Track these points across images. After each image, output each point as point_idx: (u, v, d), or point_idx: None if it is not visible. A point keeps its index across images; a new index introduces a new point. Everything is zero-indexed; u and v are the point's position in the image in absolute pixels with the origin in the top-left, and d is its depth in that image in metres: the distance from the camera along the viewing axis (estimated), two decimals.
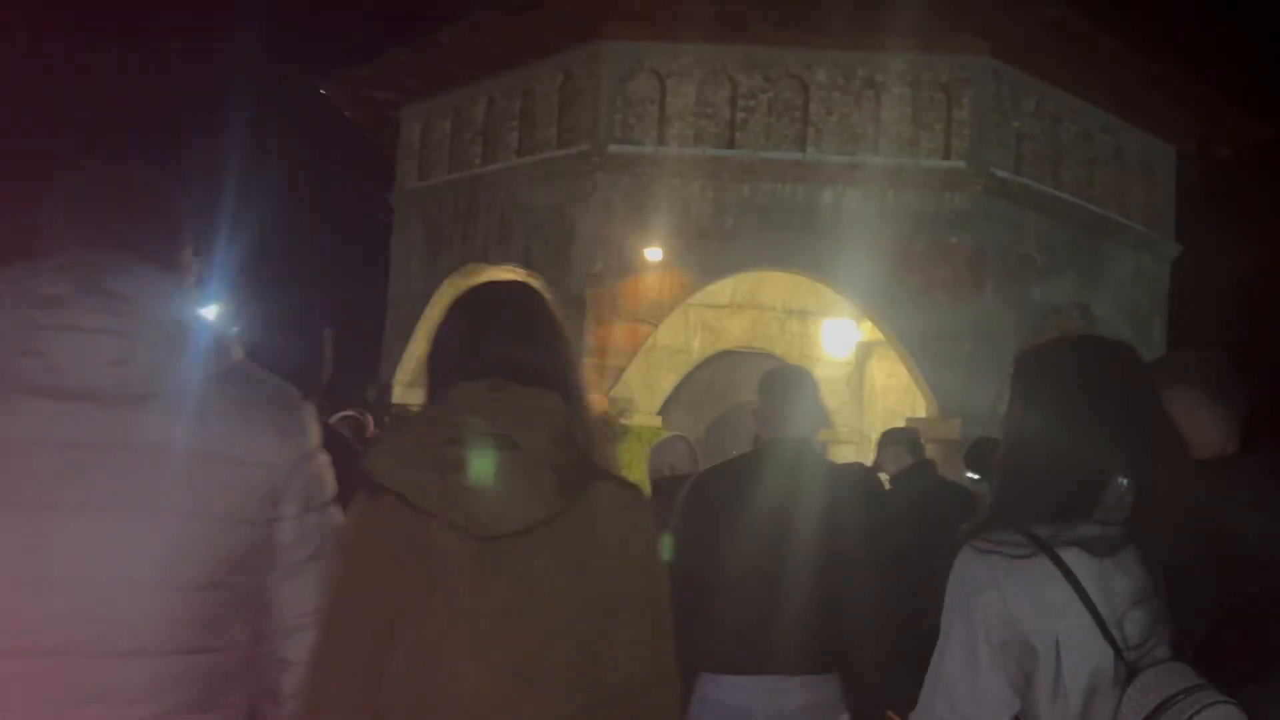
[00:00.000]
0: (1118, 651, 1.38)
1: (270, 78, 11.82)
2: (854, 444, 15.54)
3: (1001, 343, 9.40)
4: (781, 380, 2.85)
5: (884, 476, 4.62)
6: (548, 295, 1.61)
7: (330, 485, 1.57)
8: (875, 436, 14.51)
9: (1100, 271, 10.37)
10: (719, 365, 14.04)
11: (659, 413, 11.22)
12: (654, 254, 9.18)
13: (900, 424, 15.54)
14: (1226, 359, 2.04)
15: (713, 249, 9.29)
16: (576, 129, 9.63)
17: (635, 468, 6.79)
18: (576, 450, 1.45)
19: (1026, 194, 9.57)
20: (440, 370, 1.51)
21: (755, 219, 9.27)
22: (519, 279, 1.66)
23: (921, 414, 9.80)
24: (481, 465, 1.38)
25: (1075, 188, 10.14)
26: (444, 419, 1.43)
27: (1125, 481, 1.44)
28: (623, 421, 9.26)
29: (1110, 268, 10.47)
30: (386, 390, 11.23)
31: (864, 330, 15.65)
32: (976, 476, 4.97)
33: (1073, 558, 1.40)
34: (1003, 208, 9.39)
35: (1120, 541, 1.44)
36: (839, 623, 2.54)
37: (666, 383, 12.36)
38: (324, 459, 1.56)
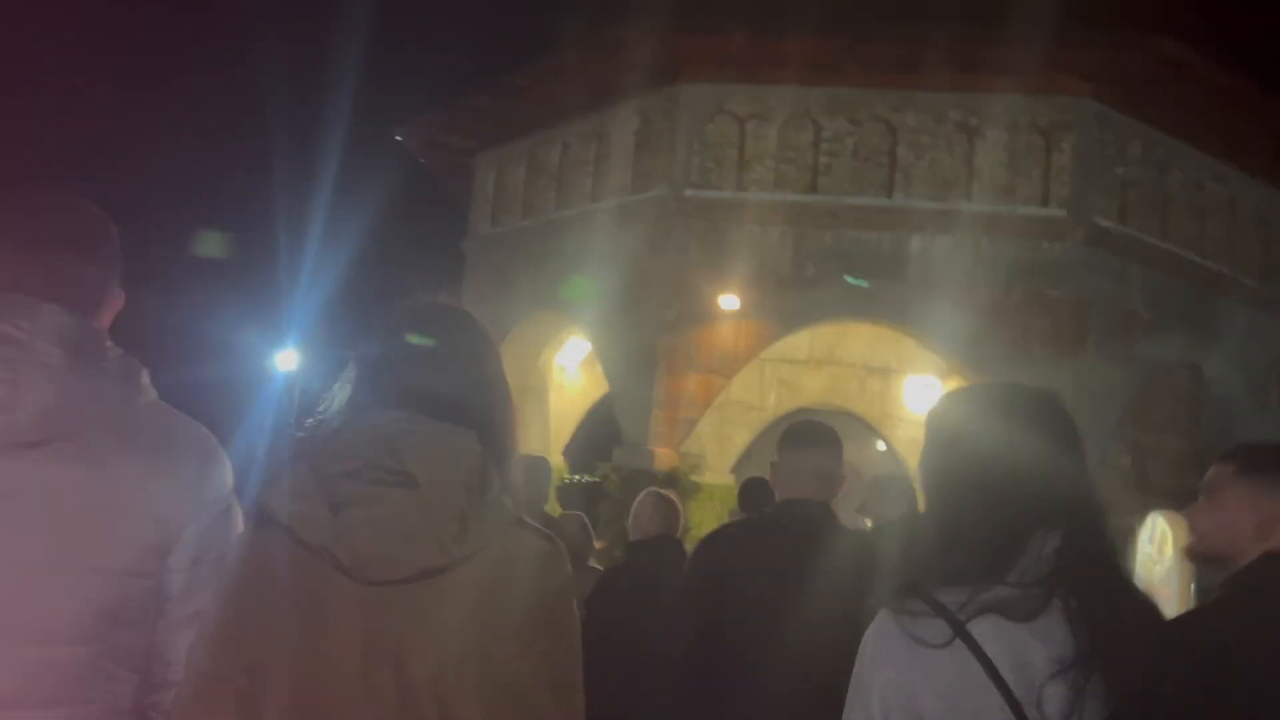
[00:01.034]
0: None
1: (346, 123, 11.80)
2: None
3: (1106, 402, 8.73)
4: (797, 436, 2.67)
5: (868, 522, 4.34)
6: (484, 326, 1.49)
7: (234, 535, 1.47)
8: None
9: (1212, 329, 9.62)
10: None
11: (732, 470, 10.72)
12: (730, 302, 8.76)
13: None
14: None
15: (792, 298, 8.83)
16: (652, 173, 9.32)
17: (705, 527, 6.31)
18: (490, 496, 1.33)
19: (1132, 245, 8.94)
20: (355, 397, 1.39)
21: (838, 267, 8.80)
22: (454, 305, 1.55)
23: None
24: (375, 503, 1.27)
25: (1184, 240, 9.47)
26: (344, 450, 1.31)
27: (1050, 536, 1.33)
28: (694, 478, 8.78)
29: (1223, 325, 9.72)
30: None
31: (948, 388, 14.98)
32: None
33: (986, 628, 1.28)
34: (1105, 259, 8.77)
35: (1041, 603, 1.31)
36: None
37: (740, 439, 11.87)
38: (229, 507, 1.48)
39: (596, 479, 9.34)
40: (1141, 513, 9.14)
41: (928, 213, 8.70)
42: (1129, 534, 9.00)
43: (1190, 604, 9.38)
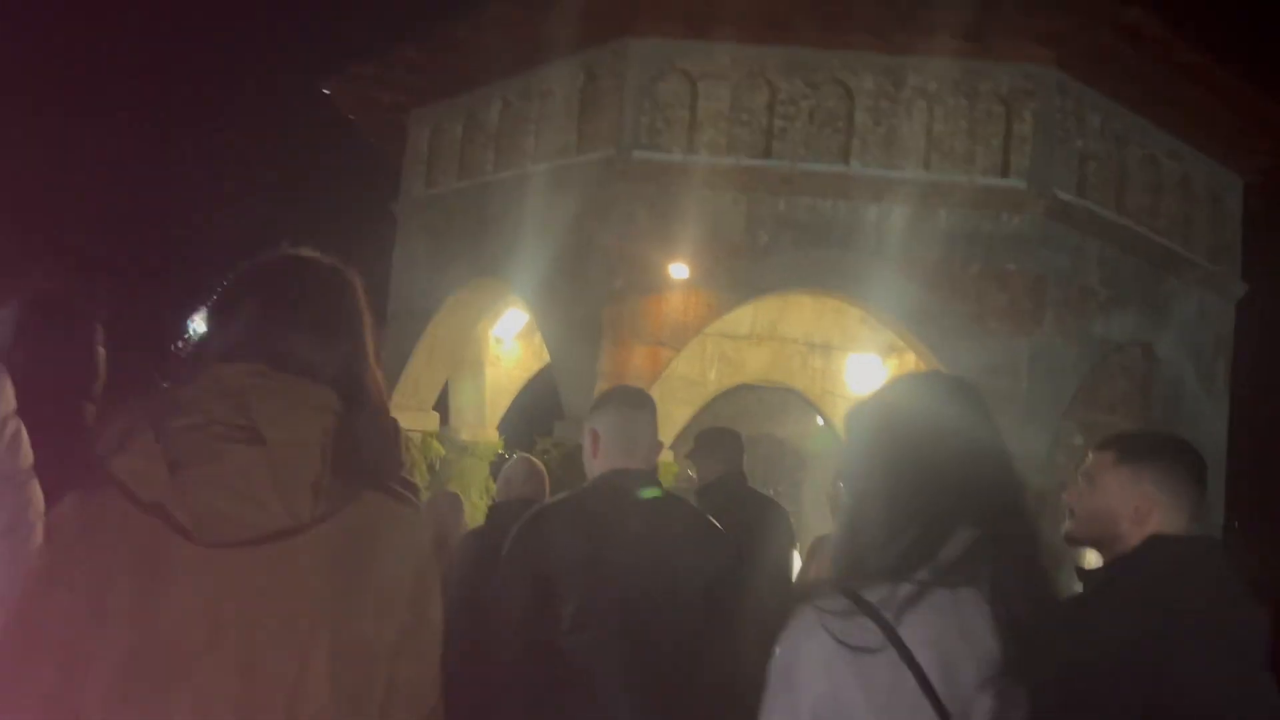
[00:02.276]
0: None
1: (269, 75, 11.07)
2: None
3: (1060, 381, 8.52)
4: (620, 402, 2.54)
5: (692, 472, 4.43)
6: (358, 281, 1.41)
7: (27, 455, 1.45)
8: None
9: (1164, 308, 9.49)
10: (736, 400, 13.24)
11: (671, 446, 10.37)
12: (679, 271, 8.33)
13: None
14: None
15: (743, 267, 8.43)
16: (598, 134, 8.82)
17: None
18: (349, 456, 1.27)
19: (1090, 220, 8.72)
20: (205, 347, 1.32)
21: (791, 236, 8.42)
22: (324, 258, 1.41)
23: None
24: (217, 461, 1.21)
25: (1139, 216, 9.29)
26: (188, 404, 1.24)
27: (974, 534, 1.29)
28: None
29: (1174, 305, 9.60)
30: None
31: (890, 367, 14.84)
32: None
33: (916, 634, 1.22)
34: (1064, 233, 8.53)
35: (968, 604, 1.26)
36: (702, 678, 2.26)
37: (680, 416, 11.54)
38: (16, 427, 1.45)
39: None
40: None
41: (885, 181, 8.36)
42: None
43: None
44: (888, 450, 1.38)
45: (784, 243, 8.41)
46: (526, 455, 4.36)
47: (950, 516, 1.31)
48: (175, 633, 1.19)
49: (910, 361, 14.74)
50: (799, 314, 14.16)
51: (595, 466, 2.48)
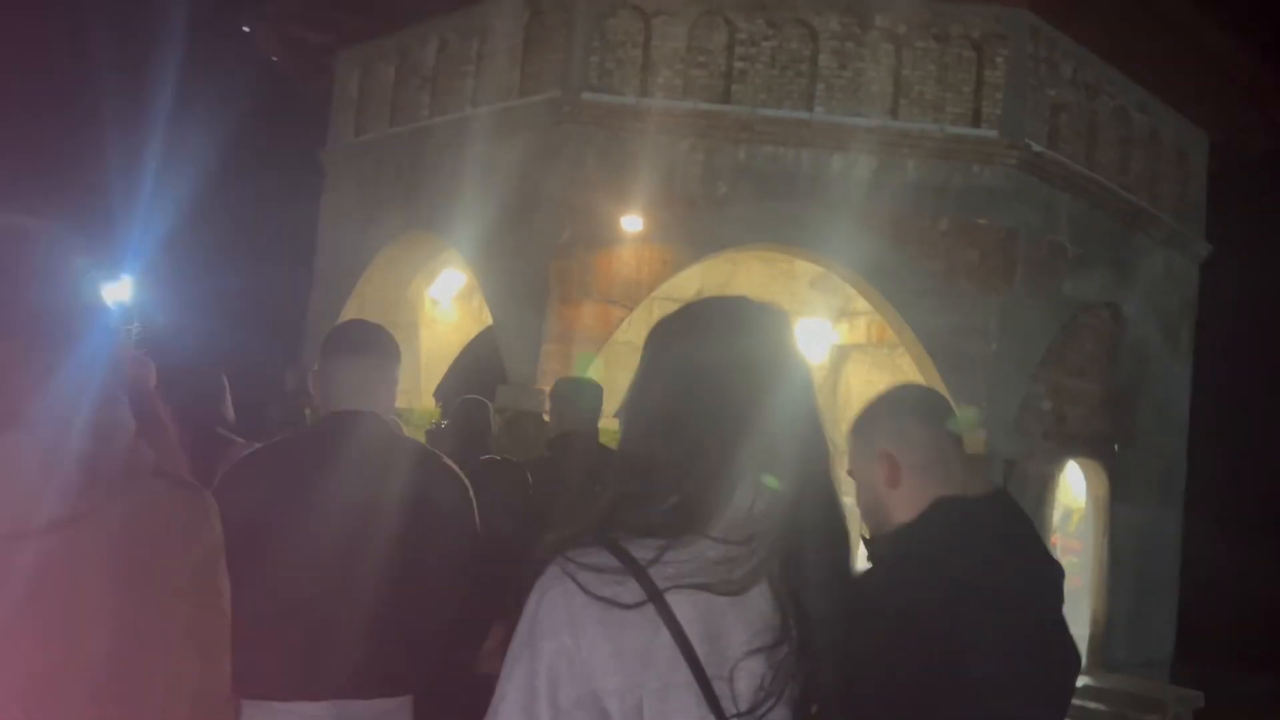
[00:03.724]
0: (721, 715, 1.07)
1: (185, 13, 10.18)
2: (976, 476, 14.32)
3: (1029, 342, 8.14)
4: (344, 339, 2.36)
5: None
6: (63, 238, 1.27)
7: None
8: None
9: (1131, 268, 9.16)
10: None
11: (616, 415, 9.83)
12: (632, 224, 7.74)
13: None
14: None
15: (701, 220, 7.87)
16: (544, 74, 8.16)
17: None
18: (117, 441, 1.20)
19: (1061, 173, 8.31)
20: None
21: (751, 187, 7.87)
22: (44, 224, 1.28)
23: None
24: None
25: (1108, 171, 8.92)
26: None
27: (766, 481, 1.12)
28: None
29: (1141, 265, 9.28)
30: (308, 378, 9.64)
31: (840, 332, 14.47)
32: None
33: (684, 595, 1.08)
34: (1036, 187, 8.11)
35: (752, 570, 1.10)
36: (418, 631, 2.18)
37: (623, 382, 10.96)
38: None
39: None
40: (1060, 460, 8.64)
41: (850, 129, 7.84)
42: (1047, 482, 8.49)
43: (1104, 557, 9.00)
44: (679, 373, 1.19)
45: (743, 194, 7.86)
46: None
47: (739, 464, 1.14)
48: None
49: (861, 326, 14.42)
50: (749, 276, 13.69)
51: (320, 409, 2.38)
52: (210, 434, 3.25)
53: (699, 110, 7.85)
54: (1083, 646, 8.83)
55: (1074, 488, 9.25)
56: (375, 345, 2.34)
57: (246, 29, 10.12)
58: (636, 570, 1.09)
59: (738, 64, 7.91)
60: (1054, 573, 1.71)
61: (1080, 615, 8.96)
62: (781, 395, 1.18)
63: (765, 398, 1.16)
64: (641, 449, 1.18)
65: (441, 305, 11.15)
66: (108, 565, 1.16)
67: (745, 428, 1.15)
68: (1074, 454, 8.74)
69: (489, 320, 10.62)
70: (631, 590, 1.08)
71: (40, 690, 1.12)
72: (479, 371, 10.79)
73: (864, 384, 14.71)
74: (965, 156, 7.87)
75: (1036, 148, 8.05)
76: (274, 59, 10.64)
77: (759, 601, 1.12)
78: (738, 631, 1.11)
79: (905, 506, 1.69)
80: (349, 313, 9.71)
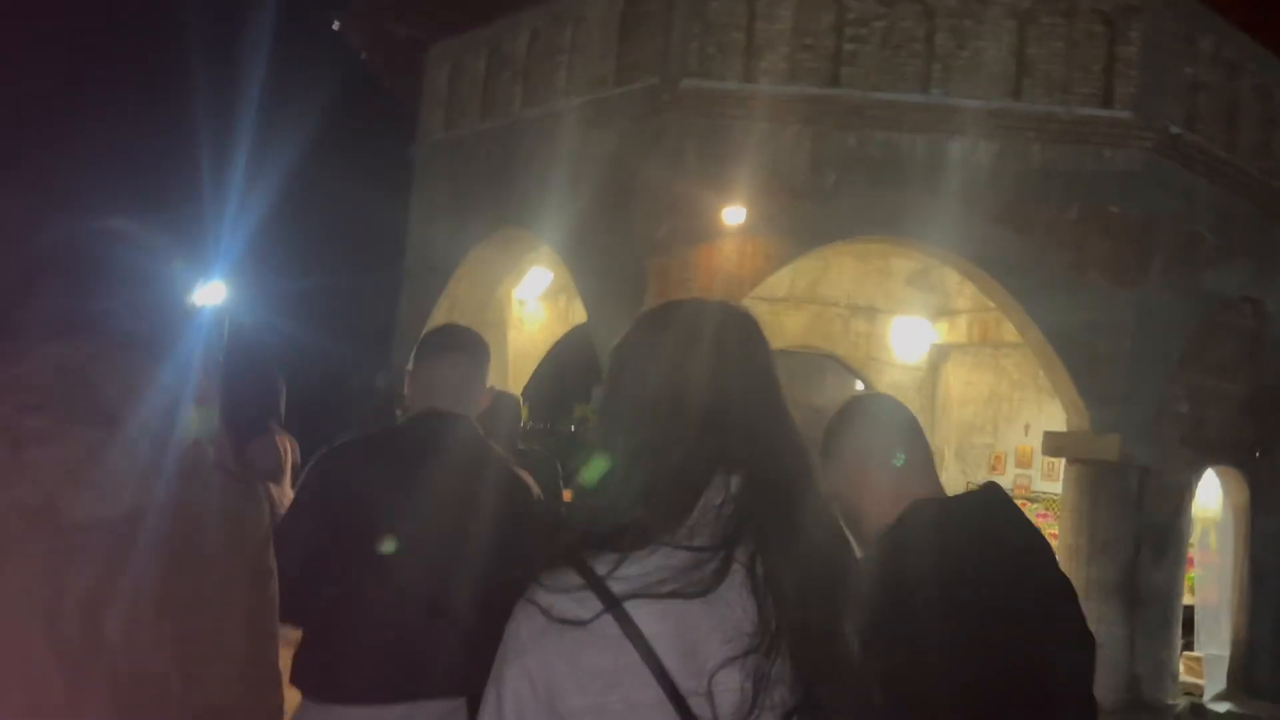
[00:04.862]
0: None
1: (272, 9, 10.09)
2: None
3: (1167, 340, 7.52)
4: (435, 342, 2.44)
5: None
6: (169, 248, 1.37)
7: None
8: (949, 451, 12.63)
9: (1273, 260, 8.45)
10: None
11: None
12: (734, 216, 7.32)
13: (980, 439, 13.72)
14: None
15: (808, 211, 7.42)
16: (641, 61, 7.79)
17: None
18: (184, 437, 1.28)
19: (1200, 157, 7.67)
20: (27, 328, 1.27)
21: (862, 175, 7.40)
22: (135, 225, 1.37)
23: (1057, 427, 7.88)
24: (64, 441, 1.21)
25: (1249, 156, 8.23)
26: (24, 383, 1.23)
27: (733, 481, 1.09)
28: None
29: None
30: (399, 377, 9.44)
31: (940, 331, 13.87)
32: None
33: (651, 607, 1.02)
34: (1173, 172, 7.49)
35: (718, 571, 1.06)
36: (480, 634, 1.95)
37: None
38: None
39: (569, 425, 7.99)
40: (1199, 468, 7.98)
41: (970, 112, 7.31)
42: (1185, 492, 7.84)
43: (1245, 572, 8.30)
44: (628, 385, 1.18)
45: (853, 183, 7.40)
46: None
47: (702, 468, 1.09)
48: (16, 614, 1.17)
49: (961, 325, 13.80)
50: (840, 275, 13.20)
51: (411, 407, 2.43)
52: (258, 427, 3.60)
53: (806, 95, 7.41)
54: (1222, 669, 8.16)
55: (1200, 495, 8.59)
56: (467, 347, 2.40)
57: (335, 26, 9.97)
58: (594, 583, 1.05)
59: (847, 45, 7.45)
60: (1037, 575, 1.64)
61: (1220, 635, 8.29)
62: (746, 395, 1.15)
63: (727, 399, 1.13)
64: (609, 457, 1.15)
65: (529, 305, 10.91)
66: (171, 554, 1.24)
67: (707, 431, 1.11)
68: (1213, 461, 8.07)
69: (576, 320, 10.33)
70: (589, 606, 1.04)
71: (93, 677, 1.18)
72: (567, 371, 10.51)
73: (964, 385, 14.11)
74: (1096, 140, 7.29)
75: (1174, 129, 7.42)
76: (363, 55, 10.49)
77: (735, 602, 1.06)
78: (713, 640, 1.05)
79: (883, 512, 1.67)
80: (440, 313, 9.49)
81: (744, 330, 1.23)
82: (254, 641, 1.34)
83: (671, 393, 1.14)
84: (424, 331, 2.40)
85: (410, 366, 2.39)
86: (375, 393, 9.41)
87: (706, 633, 1.04)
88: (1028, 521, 1.71)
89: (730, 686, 1.03)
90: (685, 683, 1.02)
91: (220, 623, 1.29)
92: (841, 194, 7.38)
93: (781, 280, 10.54)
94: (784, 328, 13.43)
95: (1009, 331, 12.93)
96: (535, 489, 2.41)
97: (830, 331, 13.84)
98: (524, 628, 1.07)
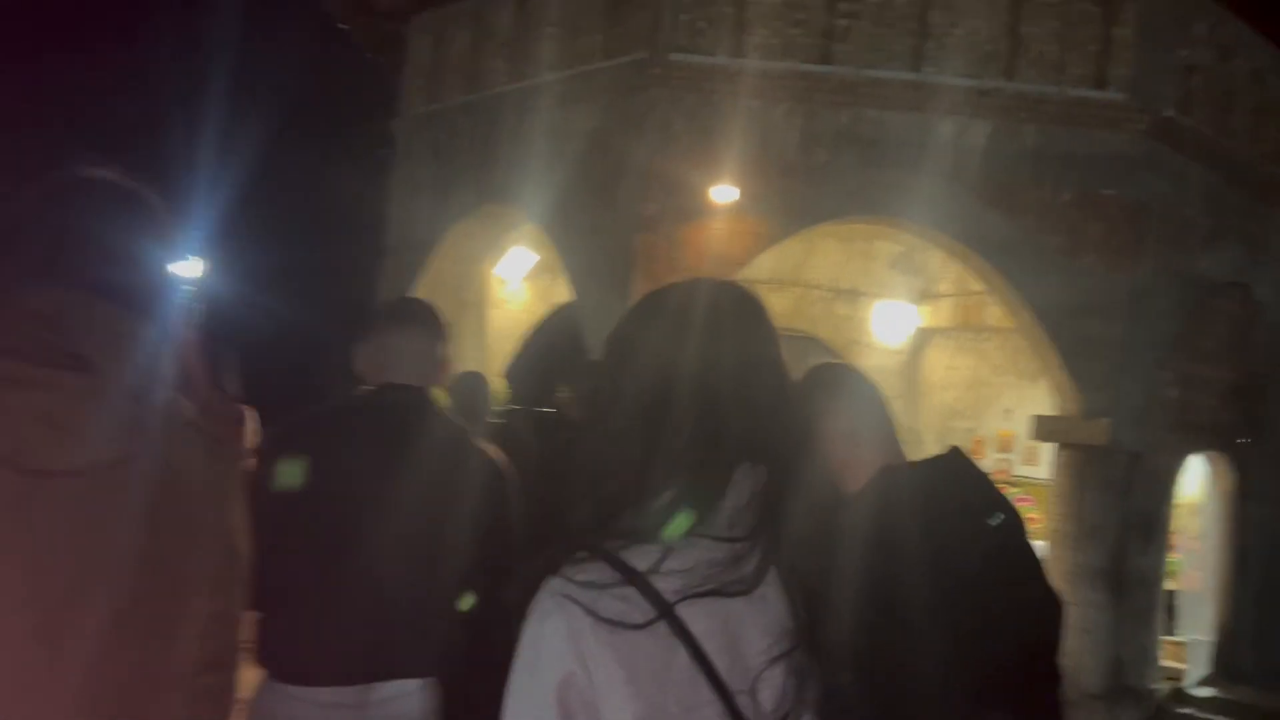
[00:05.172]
0: None
1: None
2: (906, 444, 13.70)
3: (1158, 324, 7.46)
4: (393, 314, 2.41)
5: None
6: (159, 203, 1.36)
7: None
8: (930, 436, 12.59)
9: (1264, 246, 8.41)
10: None
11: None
12: (723, 194, 7.19)
13: (961, 424, 13.69)
14: None
15: (798, 190, 7.30)
16: (629, 34, 7.63)
17: None
18: (163, 386, 1.29)
19: (1193, 141, 7.59)
20: (2, 276, 1.28)
21: (853, 154, 7.28)
22: (122, 178, 1.36)
23: (1039, 411, 7.82)
24: (40, 387, 1.19)
25: (1242, 141, 8.16)
26: (2, 327, 1.22)
27: (760, 470, 1.06)
28: None
29: (1274, 242, 8.52)
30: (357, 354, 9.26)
31: (923, 315, 13.79)
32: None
33: (695, 606, 0.97)
34: (1167, 156, 7.41)
35: (759, 566, 1.04)
36: (437, 614, 2.13)
37: None
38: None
39: (552, 406, 7.84)
40: (1185, 453, 7.94)
41: (963, 91, 7.20)
42: (1171, 478, 7.81)
43: (1230, 558, 8.30)
44: (647, 373, 1.10)
45: (845, 162, 7.27)
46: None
47: (729, 457, 1.05)
48: None
49: (945, 309, 13.74)
50: (824, 258, 13.10)
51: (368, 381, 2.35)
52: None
53: (797, 71, 7.27)
54: (1204, 654, 8.16)
55: (1184, 480, 8.57)
56: (423, 320, 2.34)
57: None
58: (641, 583, 0.99)
59: (840, 21, 7.30)
60: (999, 536, 1.63)
61: (1202, 620, 8.28)
62: (763, 380, 1.12)
63: (748, 384, 1.10)
64: (619, 446, 1.08)
65: (510, 285, 10.74)
66: (145, 506, 1.23)
67: (733, 416, 1.08)
68: (1200, 446, 8.04)
69: (559, 300, 10.17)
70: (640, 607, 0.99)
71: (63, 628, 1.16)
72: (552, 351, 10.37)
73: (946, 369, 14.06)
74: (1090, 122, 7.20)
75: (1168, 112, 7.34)
76: (344, 26, 10.25)
77: (773, 599, 1.05)
78: (756, 638, 1.03)
79: (851, 480, 1.67)
80: (420, 290, 9.32)
81: (758, 313, 1.18)
82: (222, 601, 1.33)
83: (696, 377, 1.09)
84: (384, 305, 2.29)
85: (364, 343, 2.32)
86: (351, 371, 9.23)
87: (749, 629, 1.02)
88: (992, 483, 1.71)
89: (773, 684, 1.02)
90: (733, 682, 1.00)
91: (187, 580, 1.28)
92: (833, 173, 7.26)
93: (765, 263, 10.38)
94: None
95: (991, 316, 12.88)
96: (504, 463, 2.35)
97: (813, 314, 13.75)
98: (564, 628, 0.98)
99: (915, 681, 1.47)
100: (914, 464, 1.73)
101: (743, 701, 1.00)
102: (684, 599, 0.99)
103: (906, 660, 1.45)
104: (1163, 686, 7.60)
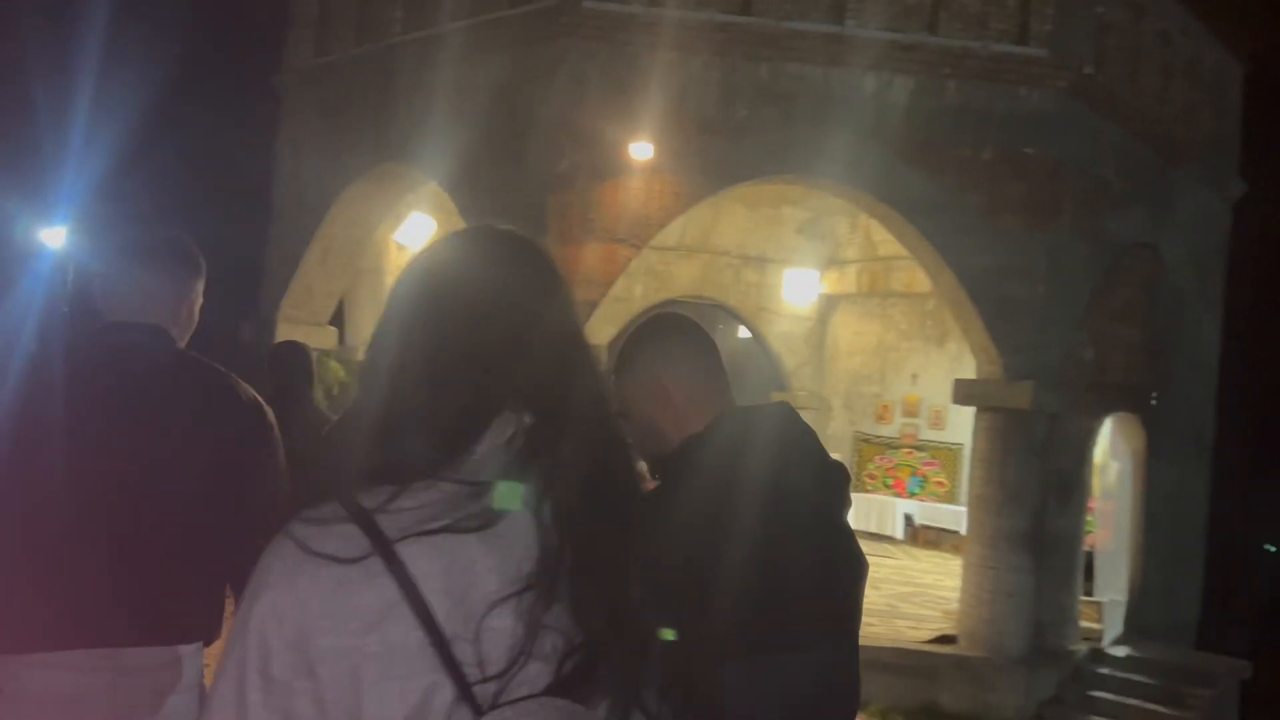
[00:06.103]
0: (462, 682, 0.91)
1: None
2: (813, 409, 13.65)
3: (1075, 286, 7.42)
4: (127, 245, 2.15)
5: None
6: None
7: None
8: (837, 401, 12.50)
9: (1169, 206, 8.48)
10: None
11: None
12: (640, 151, 6.83)
13: (868, 389, 13.69)
14: None
15: (717, 147, 6.98)
16: None
17: None
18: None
19: (1107, 100, 7.55)
20: None
21: (774, 110, 7.00)
22: None
23: (944, 375, 7.73)
24: None
25: (1150, 100, 8.19)
26: None
27: (525, 416, 1.02)
28: None
29: (1178, 203, 8.60)
30: (267, 327, 8.62)
31: (828, 281, 13.75)
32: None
33: (420, 545, 0.93)
34: (1083, 114, 7.34)
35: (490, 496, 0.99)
36: (203, 571, 2.03)
37: (602, 335, 10.25)
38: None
39: None
40: (1101, 414, 7.97)
41: (885, 45, 6.98)
42: (1088, 439, 7.82)
43: (1140, 518, 8.40)
44: (405, 316, 1.07)
45: (765, 118, 6.98)
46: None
47: (491, 404, 1.02)
48: None
49: (851, 275, 13.68)
50: (732, 225, 12.90)
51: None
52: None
53: (716, 22, 6.94)
54: (1119, 613, 8.24)
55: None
56: (160, 253, 2.15)
57: None
58: (364, 520, 0.93)
59: None
60: (837, 475, 1.69)
61: (1117, 580, 8.37)
62: (542, 329, 1.07)
63: (516, 327, 1.05)
64: (383, 394, 1.04)
65: (409, 251, 10.21)
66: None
67: (499, 365, 1.03)
68: (1114, 407, 8.08)
69: None
70: (356, 543, 0.92)
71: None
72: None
73: (853, 335, 14.07)
74: (1011, 78, 7.07)
75: (1088, 69, 7.27)
76: None
77: (518, 540, 0.97)
78: (490, 581, 0.95)
79: (683, 427, 1.67)
80: (313, 256, 8.72)
81: (535, 257, 1.13)
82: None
83: (456, 322, 1.05)
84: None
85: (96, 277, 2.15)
86: (238, 343, 8.60)
87: (483, 573, 0.96)
88: (820, 446, 1.73)
89: (500, 629, 0.94)
90: (452, 626, 0.93)
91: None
92: (752, 129, 6.96)
93: (672, 230, 10.11)
94: (675, 277, 13.08)
95: (897, 281, 12.89)
96: (251, 406, 2.18)
97: (721, 281, 13.57)
98: (276, 563, 0.96)
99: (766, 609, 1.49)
100: (753, 409, 1.73)
101: (461, 648, 0.93)
102: (407, 536, 0.93)
103: (753, 585, 1.47)
104: (1081, 647, 7.63)
